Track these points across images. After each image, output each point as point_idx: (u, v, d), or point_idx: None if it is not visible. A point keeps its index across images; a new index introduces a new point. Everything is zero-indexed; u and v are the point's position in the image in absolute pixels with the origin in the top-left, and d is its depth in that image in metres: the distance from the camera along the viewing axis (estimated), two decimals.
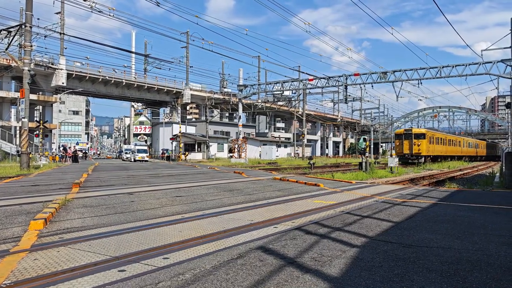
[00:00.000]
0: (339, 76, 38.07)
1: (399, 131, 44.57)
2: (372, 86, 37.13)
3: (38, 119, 38.81)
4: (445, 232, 6.03)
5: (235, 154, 50.05)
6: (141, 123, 78.14)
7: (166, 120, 68.13)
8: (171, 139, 58.76)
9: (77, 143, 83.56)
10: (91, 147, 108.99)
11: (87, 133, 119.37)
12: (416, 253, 4.71)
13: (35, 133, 37.80)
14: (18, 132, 41.19)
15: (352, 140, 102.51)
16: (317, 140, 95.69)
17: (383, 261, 4.31)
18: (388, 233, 5.88)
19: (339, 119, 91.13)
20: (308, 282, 3.63)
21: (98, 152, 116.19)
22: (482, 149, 73.11)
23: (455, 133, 78.28)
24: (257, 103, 68.69)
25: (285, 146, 72.31)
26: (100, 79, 56.96)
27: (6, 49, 25.80)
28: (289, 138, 79.05)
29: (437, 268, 4.10)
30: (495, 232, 6.04)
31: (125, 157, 58.34)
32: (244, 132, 66.40)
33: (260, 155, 62.28)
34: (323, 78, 39.00)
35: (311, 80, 39.85)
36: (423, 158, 40.01)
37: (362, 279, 3.70)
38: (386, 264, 4.22)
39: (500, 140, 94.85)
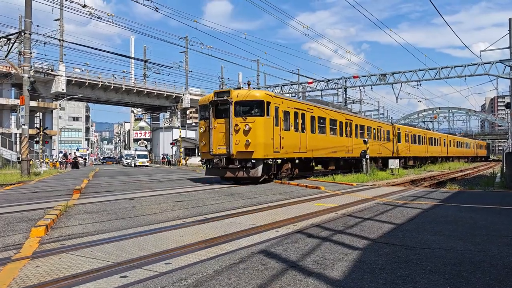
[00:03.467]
0: (339, 79, 38.13)
1: (206, 98, 16.98)
2: (372, 88, 37.03)
3: (38, 126, 38.82)
4: (447, 233, 6.01)
5: None
6: (141, 128, 78.24)
7: (166, 125, 68.24)
8: (171, 143, 58.79)
9: (77, 149, 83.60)
10: (91, 153, 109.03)
11: (87, 139, 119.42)
12: (419, 255, 4.70)
13: (35, 139, 37.83)
14: (18, 139, 41.21)
15: None
16: None
17: (385, 264, 4.30)
18: (390, 235, 5.87)
19: None
20: (311, 285, 3.62)
21: (99, 158, 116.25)
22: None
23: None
24: None
25: None
26: (100, 85, 57.09)
27: (6, 56, 25.87)
28: None
29: (440, 269, 4.09)
30: (497, 233, 6.03)
31: (125, 162, 58.33)
32: None
33: None
34: (322, 80, 39.05)
35: (311, 83, 39.89)
36: (259, 166, 15.43)
37: (365, 282, 3.69)
38: (388, 266, 4.21)
39: (500, 140, 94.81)
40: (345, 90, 38.64)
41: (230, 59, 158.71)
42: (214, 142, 15.78)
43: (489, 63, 30.23)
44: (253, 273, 3.97)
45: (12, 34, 25.64)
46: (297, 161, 17.85)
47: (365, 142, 23.91)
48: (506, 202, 9.97)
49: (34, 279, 3.84)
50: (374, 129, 28.58)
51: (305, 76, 40.25)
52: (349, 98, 45.33)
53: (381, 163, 29.31)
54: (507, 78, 29.60)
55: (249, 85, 16.59)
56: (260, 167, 15.26)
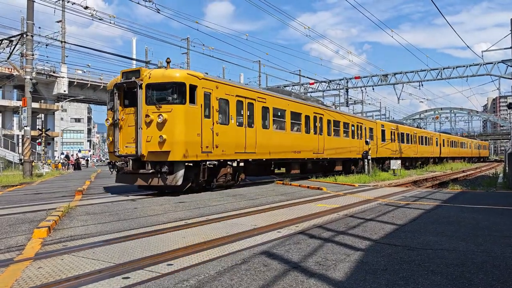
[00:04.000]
0: (340, 80, 38.14)
1: (113, 81, 12.93)
2: (373, 88, 37.00)
3: (40, 127, 38.94)
4: (449, 234, 6.00)
5: None
6: None
7: None
8: None
9: (79, 151, 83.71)
10: (93, 154, 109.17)
11: (89, 141, 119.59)
12: (421, 255, 4.69)
13: (37, 141, 37.92)
14: (20, 140, 41.34)
15: None
16: None
17: (387, 264, 4.30)
18: (392, 236, 5.86)
19: None
20: (313, 286, 3.61)
21: (101, 159, 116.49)
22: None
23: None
24: None
25: None
26: (102, 86, 57.17)
27: (8, 58, 25.93)
28: None
29: (442, 270, 4.08)
30: (500, 234, 6.01)
31: None
32: None
33: None
34: (324, 81, 39.05)
35: (312, 83, 39.90)
36: (179, 171, 11.60)
37: (367, 283, 3.68)
38: (390, 267, 4.20)
39: (502, 140, 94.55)
40: (347, 91, 38.63)
41: (232, 60, 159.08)
42: (122, 139, 11.93)
43: (491, 63, 30.20)
44: (255, 274, 3.97)
45: (14, 36, 25.73)
46: (241, 164, 14.25)
47: (367, 142, 23.89)
48: (509, 203, 9.94)
49: (37, 281, 3.85)
50: (353, 125, 24.37)
51: (307, 77, 40.25)
52: (350, 99, 45.26)
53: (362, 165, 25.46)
54: (509, 78, 29.55)
55: (168, 63, 12.50)
56: (180, 173, 11.47)
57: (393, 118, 71.85)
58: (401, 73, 34.64)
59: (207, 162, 12.43)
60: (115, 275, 4.01)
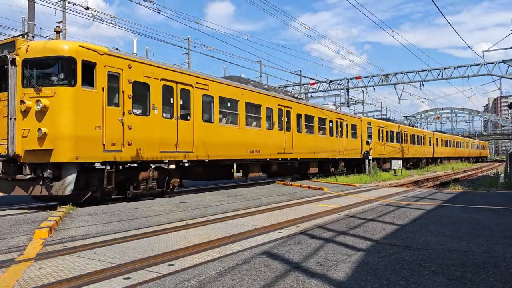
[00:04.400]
0: (341, 80, 38.10)
1: None
2: (374, 89, 36.95)
3: None
4: (450, 234, 6.00)
5: None
6: None
7: None
8: None
9: None
10: None
11: None
12: (422, 256, 4.69)
13: None
14: None
15: None
16: None
17: (388, 265, 4.30)
18: (393, 236, 5.86)
19: None
20: (314, 287, 3.61)
21: None
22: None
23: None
24: None
25: None
26: None
27: None
28: None
29: (443, 270, 4.08)
30: (501, 234, 6.01)
31: None
32: None
33: None
34: (325, 81, 39.03)
35: (313, 84, 39.88)
36: (68, 176, 8.84)
37: (368, 283, 3.68)
38: (392, 267, 4.20)
39: (504, 140, 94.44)
40: (348, 91, 38.62)
41: (233, 60, 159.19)
42: None
43: (492, 63, 30.15)
44: (256, 274, 3.97)
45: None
46: (172, 166, 11.47)
47: (367, 143, 23.86)
48: (510, 203, 9.93)
49: (38, 281, 3.85)
50: (331, 122, 21.20)
51: (307, 77, 40.24)
52: (351, 98, 45.22)
53: (344, 165, 22.75)
54: (510, 78, 29.51)
55: (57, 32, 9.81)
56: (69, 178, 8.70)
57: (394, 118, 71.76)
58: (402, 73, 34.60)
59: (118, 165, 9.94)
60: (116, 275, 4.01)
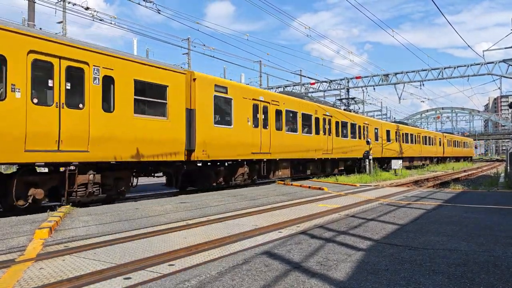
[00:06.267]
0: (341, 79, 38.12)
1: None
2: (374, 88, 36.96)
3: None
4: (451, 234, 5.99)
5: None
6: None
7: None
8: None
9: None
10: None
11: None
12: (422, 255, 4.69)
13: None
14: None
15: None
16: None
17: (389, 264, 4.29)
18: (394, 236, 5.86)
19: None
20: (315, 286, 3.61)
21: None
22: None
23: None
24: None
25: None
26: None
27: None
28: None
29: (444, 270, 4.07)
30: (501, 233, 6.00)
31: None
32: None
33: None
34: (325, 81, 39.03)
35: (313, 84, 39.87)
36: None
37: (369, 283, 3.68)
38: (392, 267, 4.20)
39: (504, 140, 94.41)
40: (348, 91, 38.61)
41: (233, 60, 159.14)
42: None
43: (492, 63, 30.14)
44: (257, 274, 3.97)
45: None
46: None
47: (368, 143, 23.85)
48: (510, 202, 9.93)
49: (38, 281, 3.85)
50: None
51: (308, 77, 40.20)
52: (351, 98, 45.13)
53: (301, 169, 19.50)
54: (510, 77, 29.50)
55: None
56: None
57: (394, 118, 71.46)
58: (402, 73, 34.60)
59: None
60: (117, 275, 4.01)
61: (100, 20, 20.83)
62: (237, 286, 3.62)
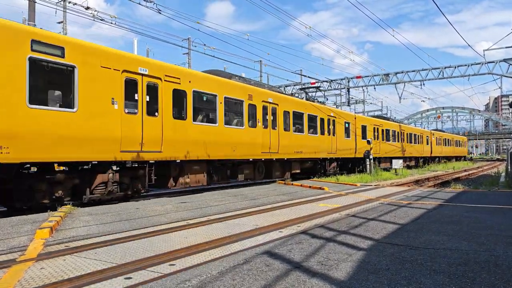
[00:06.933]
0: (341, 79, 38.10)
1: None
2: (375, 88, 36.94)
3: None
4: (451, 233, 5.99)
5: None
6: None
7: None
8: None
9: None
10: None
11: None
12: (423, 255, 4.69)
13: None
14: None
15: None
16: None
17: (389, 264, 4.29)
18: (394, 236, 5.85)
19: None
20: (315, 286, 3.61)
21: None
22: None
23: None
24: None
25: None
26: None
27: None
28: None
29: (445, 270, 4.07)
30: (502, 233, 6.00)
31: None
32: None
33: None
34: (325, 81, 39.01)
35: (313, 83, 39.81)
36: None
37: (370, 282, 3.68)
38: (393, 266, 4.20)
39: (504, 139, 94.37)
40: (348, 91, 38.60)
41: (233, 60, 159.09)
42: None
43: (493, 62, 30.11)
44: (257, 274, 3.97)
45: None
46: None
47: (368, 142, 23.84)
48: (511, 202, 9.92)
49: (39, 281, 3.85)
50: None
51: (308, 77, 40.16)
52: (352, 98, 45.13)
53: (265, 171, 16.66)
54: (510, 77, 29.48)
55: None
56: None
57: (395, 118, 71.34)
58: (402, 72, 34.58)
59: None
60: (117, 275, 4.01)
61: (101, 20, 20.82)
62: (238, 286, 3.62)
